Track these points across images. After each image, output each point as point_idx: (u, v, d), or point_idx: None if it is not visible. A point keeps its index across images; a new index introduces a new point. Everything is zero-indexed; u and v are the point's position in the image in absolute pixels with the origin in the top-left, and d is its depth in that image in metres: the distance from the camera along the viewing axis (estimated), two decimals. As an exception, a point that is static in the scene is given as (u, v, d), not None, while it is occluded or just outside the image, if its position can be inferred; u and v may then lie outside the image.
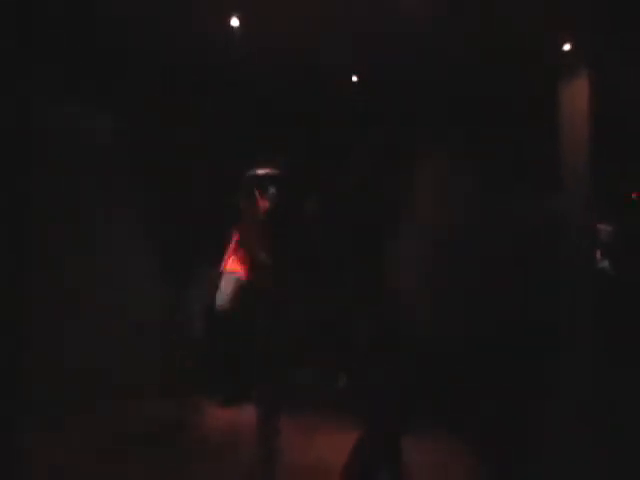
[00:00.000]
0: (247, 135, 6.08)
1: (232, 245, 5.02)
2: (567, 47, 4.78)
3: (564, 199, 5.10)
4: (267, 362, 4.80)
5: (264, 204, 5.18)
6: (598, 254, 5.76)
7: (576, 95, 4.96)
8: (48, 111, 5.43)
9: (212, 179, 6.13)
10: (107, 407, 5.21)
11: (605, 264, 5.73)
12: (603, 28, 4.55)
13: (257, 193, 5.21)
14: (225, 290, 4.89)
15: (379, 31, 4.91)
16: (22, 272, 4.76)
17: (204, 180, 6.19)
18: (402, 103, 5.71)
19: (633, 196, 5.69)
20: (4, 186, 4.31)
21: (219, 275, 4.94)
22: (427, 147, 5.79)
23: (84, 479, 4.12)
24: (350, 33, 4.95)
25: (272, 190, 5.12)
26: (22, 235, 4.97)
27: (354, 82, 5.65)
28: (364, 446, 3.81)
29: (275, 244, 5.06)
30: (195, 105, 6.26)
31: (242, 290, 4.98)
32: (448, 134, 5.65)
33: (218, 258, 4.97)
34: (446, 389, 4.74)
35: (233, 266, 4.97)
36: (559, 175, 5.12)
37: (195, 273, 6.01)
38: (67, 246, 5.59)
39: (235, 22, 4.97)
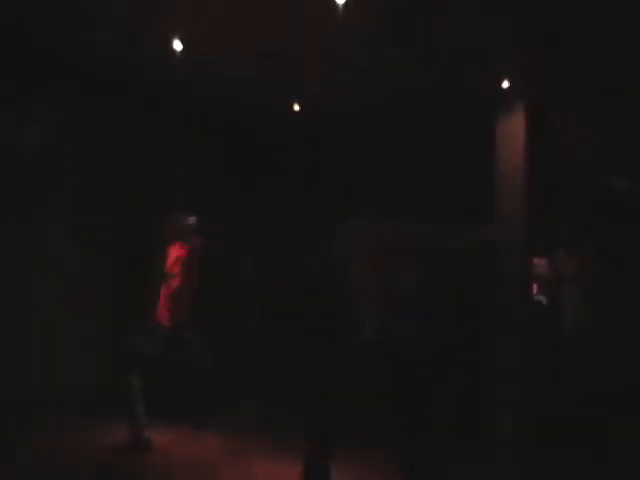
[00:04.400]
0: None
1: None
2: (505, 84, 4.88)
3: (499, 231, 5.19)
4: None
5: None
6: (535, 287, 5.88)
7: (513, 131, 5.07)
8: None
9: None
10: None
11: (540, 297, 5.84)
12: (541, 67, 4.65)
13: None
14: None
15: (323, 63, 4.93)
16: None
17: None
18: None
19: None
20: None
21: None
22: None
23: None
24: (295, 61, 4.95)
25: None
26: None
27: (296, 111, 5.63)
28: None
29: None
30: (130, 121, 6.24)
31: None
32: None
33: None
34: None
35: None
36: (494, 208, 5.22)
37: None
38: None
39: (178, 46, 4.98)
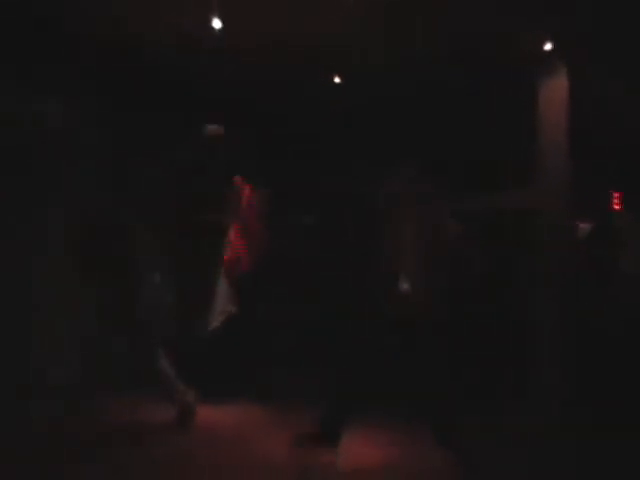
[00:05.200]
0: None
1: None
2: (548, 46, 4.97)
3: (541, 197, 5.18)
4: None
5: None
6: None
7: (555, 93, 5.15)
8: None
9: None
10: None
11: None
12: (583, 28, 4.77)
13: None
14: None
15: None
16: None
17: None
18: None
19: (615, 207, 5.85)
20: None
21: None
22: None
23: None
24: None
25: None
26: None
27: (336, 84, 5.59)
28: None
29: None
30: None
31: None
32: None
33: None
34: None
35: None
36: (536, 173, 5.22)
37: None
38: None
39: (217, 24, 4.85)
